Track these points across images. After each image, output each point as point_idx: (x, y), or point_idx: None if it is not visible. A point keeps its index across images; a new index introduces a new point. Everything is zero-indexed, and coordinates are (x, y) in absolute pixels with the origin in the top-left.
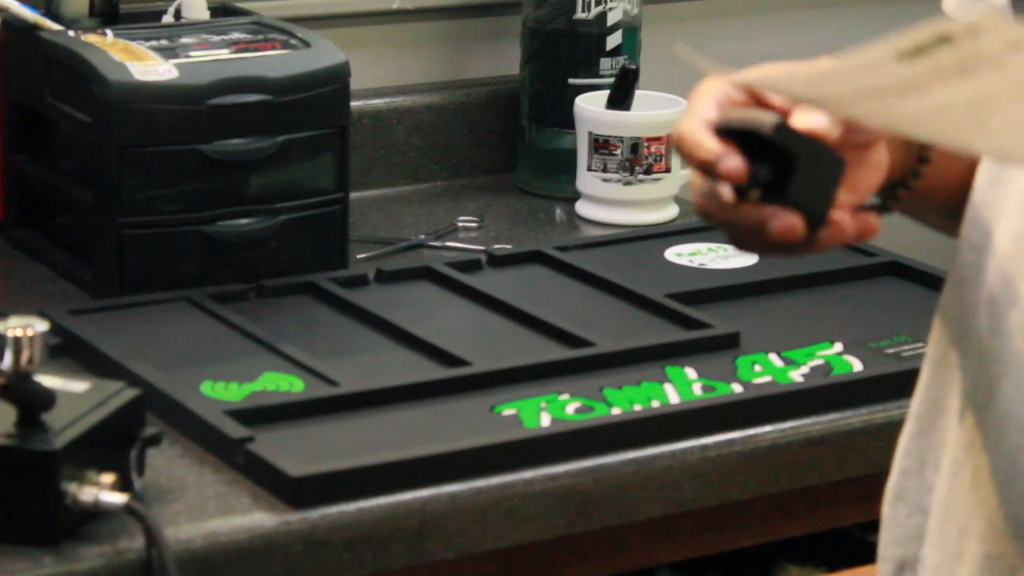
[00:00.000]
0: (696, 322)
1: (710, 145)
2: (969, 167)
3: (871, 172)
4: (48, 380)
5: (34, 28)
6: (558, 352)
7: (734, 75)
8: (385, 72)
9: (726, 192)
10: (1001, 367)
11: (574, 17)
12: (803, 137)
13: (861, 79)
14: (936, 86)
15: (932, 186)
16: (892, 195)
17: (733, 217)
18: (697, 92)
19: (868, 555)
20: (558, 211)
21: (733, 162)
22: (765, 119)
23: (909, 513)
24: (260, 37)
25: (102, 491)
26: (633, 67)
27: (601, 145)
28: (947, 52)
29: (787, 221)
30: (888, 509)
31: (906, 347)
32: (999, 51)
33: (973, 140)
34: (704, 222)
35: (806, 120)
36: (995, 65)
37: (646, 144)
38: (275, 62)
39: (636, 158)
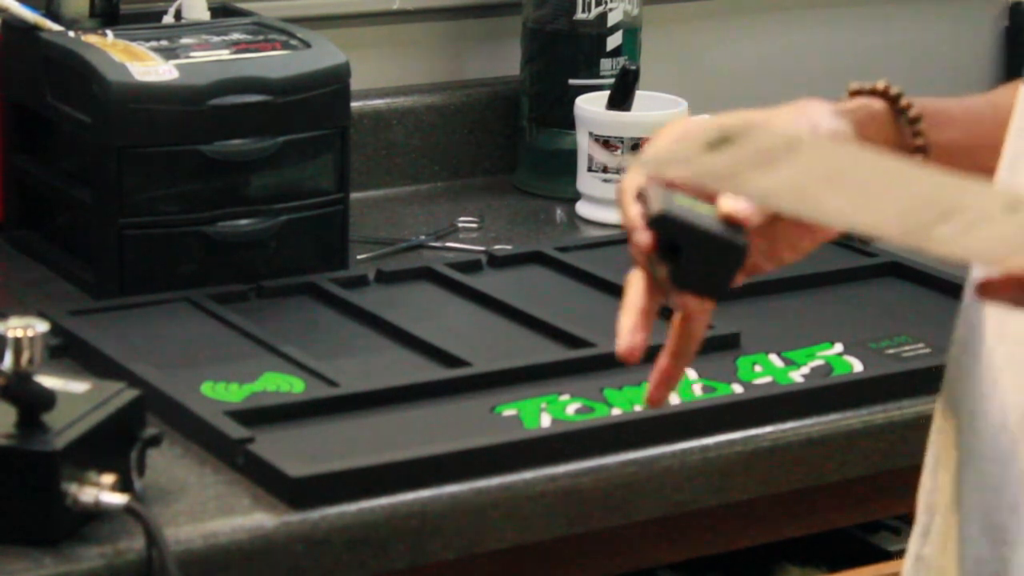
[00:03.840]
0: None
1: (629, 213)
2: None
3: (815, 231)
4: (48, 380)
5: (34, 28)
6: (558, 352)
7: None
8: (385, 72)
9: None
10: (998, 373)
11: (574, 18)
12: (692, 226)
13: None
14: (749, 175)
15: None
16: None
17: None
18: (658, 136)
19: (868, 555)
20: (558, 211)
21: (639, 237)
22: (656, 204)
23: (922, 511)
24: (260, 37)
25: (102, 491)
26: (633, 68)
27: (601, 146)
28: (736, 148)
29: (681, 299)
30: (917, 506)
31: (906, 347)
32: (780, 150)
33: (819, 213)
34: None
35: (726, 204)
36: (784, 161)
37: (647, 145)
38: (275, 62)
39: None
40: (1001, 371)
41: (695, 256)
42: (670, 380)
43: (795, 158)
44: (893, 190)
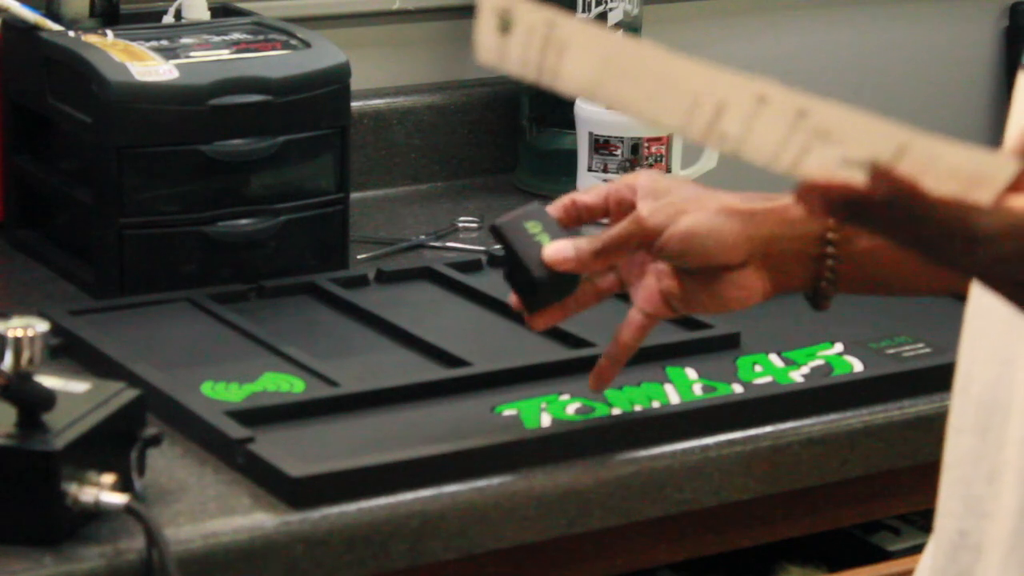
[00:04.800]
0: (696, 322)
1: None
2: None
3: (735, 289)
4: (48, 380)
5: (34, 28)
6: (558, 352)
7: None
8: (385, 72)
9: None
10: (975, 347)
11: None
12: (510, 246)
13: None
14: (553, 64)
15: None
16: (817, 293)
17: None
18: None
19: (868, 555)
20: None
21: None
22: (502, 217)
23: None
24: (260, 37)
25: (102, 491)
26: None
27: (601, 145)
28: (517, 29)
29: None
30: None
31: (906, 347)
32: (545, 28)
33: (625, 108)
34: None
35: (548, 248)
36: (563, 44)
37: (646, 144)
38: (275, 62)
39: (636, 158)
40: (977, 345)
41: (514, 270)
42: (603, 375)
43: (568, 40)
44: (670, 83)
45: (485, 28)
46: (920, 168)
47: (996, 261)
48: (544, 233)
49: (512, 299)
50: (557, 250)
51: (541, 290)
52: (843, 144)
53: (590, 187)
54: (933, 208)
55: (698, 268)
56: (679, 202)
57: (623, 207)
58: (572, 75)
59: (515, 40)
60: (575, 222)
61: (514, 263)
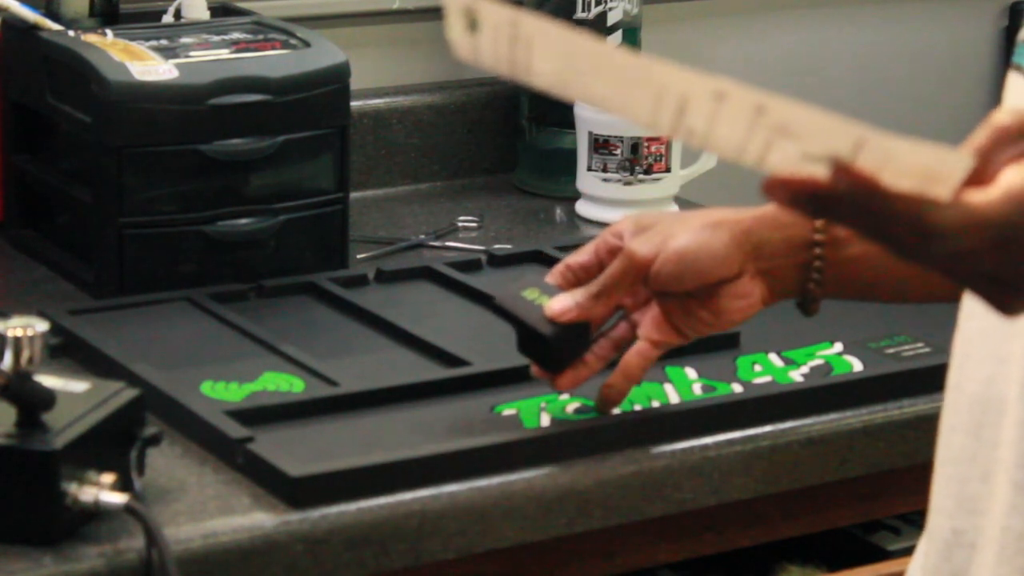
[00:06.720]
0: None
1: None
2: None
3: (735, 300)
4: (48, 380)
5: (34, 28)
6: None
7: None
8: (385, 72)
9: None
10: (969, 347)
11: (574, 17)
12: (513, 316)
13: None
14: (524, 59)
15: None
16: (805, 297)
17: None
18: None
19: (868, 555)
20: (558, 211)
21: None
22: (498, 293)
23: None
24: (260, 37)
25: (102, 491)
26: None
27: (601, 145)
28: (483, 27)
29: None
30: None
31: (906, 347)
32: (508, 27)
33: (596, 102)
34: None
35: (549, 305)
36: (529, 41)
37: (646, 144)
38: (275, 62)
39: (636, 158)
40: (972, 345)
41: (524, 338)
42: (608, 402)
43: (531, 38)
44: (631, 80)
45: (455, 28)
46: (877, 163)
47: (955, 255)
48: (543, 296)
49: (533, 369)
50: (558, 303)
51: (554, 347)
52: (802, 140)
53: (579, 249)
54: (892, 203)
55: (697, 288)
56: (664, 229)
57: (615, 255)
58: (542, 71)
59: (485, 38)
60: (574, 285)
61: (522, 331)
